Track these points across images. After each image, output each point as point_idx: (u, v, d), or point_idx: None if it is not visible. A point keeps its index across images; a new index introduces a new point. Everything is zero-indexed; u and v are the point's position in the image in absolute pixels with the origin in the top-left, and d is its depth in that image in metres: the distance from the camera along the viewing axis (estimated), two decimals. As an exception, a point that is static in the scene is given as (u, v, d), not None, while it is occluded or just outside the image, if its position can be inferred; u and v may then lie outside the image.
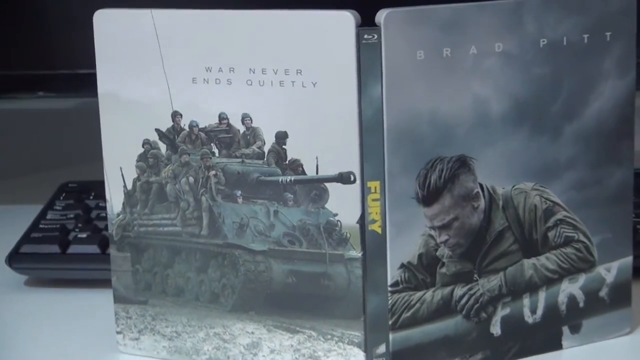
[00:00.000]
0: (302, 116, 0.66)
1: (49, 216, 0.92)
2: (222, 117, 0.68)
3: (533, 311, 0.70)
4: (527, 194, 0.69)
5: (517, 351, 0.71)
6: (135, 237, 0.72)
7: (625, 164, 0.71)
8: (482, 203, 0.68)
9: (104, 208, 0.89)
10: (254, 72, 0.66)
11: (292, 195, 0.68)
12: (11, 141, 1.23)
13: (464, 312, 0.69)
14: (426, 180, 0.67)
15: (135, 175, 0.71)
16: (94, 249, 0.85)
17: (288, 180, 0.67)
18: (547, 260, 0.70)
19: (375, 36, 0.64)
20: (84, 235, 0.86)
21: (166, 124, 0.69)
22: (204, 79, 0.67)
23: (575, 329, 0.72)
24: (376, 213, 0.66)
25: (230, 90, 0.67)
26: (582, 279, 0.71)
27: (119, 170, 0.71)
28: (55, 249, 0.85)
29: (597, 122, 0.70)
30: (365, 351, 0.68)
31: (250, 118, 0.67)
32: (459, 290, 0.69)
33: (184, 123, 0.69)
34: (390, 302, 0.68)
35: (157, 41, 0.68)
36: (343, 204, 0.67)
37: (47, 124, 1.27)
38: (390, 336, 0.68)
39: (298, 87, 0.66)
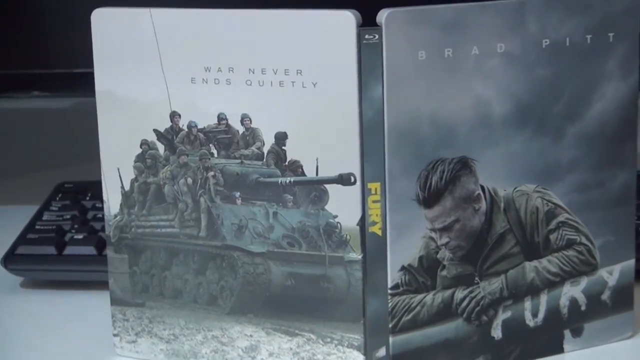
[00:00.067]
0: (302, 117, 0.66)
1: (45, 217, 0.91)
2: (221, 118, 0.68)
3: (534, 314, 0.70)
4: (528, 196, 0.69)
5: (518, 355, 0.71)
6: (133, 239, 0.71)
7: (627, 166, 0.71)
8: (483, 205, 0.68)
9: (101, 209, 0.89)
10: (253, 72, 0.66)
11: (291, 197, 0.67)
12: (6, 141, 1.23)
13: (464, 315, 0.69)
14: (427, 182, 0.66)
15: (133, 176, 0.70)
16: (90, 250, 0.84)
17: (287, 181, 0.67)
18: (548, 263, 0.70)
19: (376, 36, 0.64)
20: (80, 237, 0.86)
21: (164, 124, 0.69)
22: (203, 79, 0.67)
23: (577, 333, 0.72)
24: (376, 215, 0.66)
25: (229, 91, 0.67)
26: (584, 282, 0.71)
27: (116, 171, 0.71)
28: (51, 250, 0.85)
29: (599, 124, 0.70)
30: (365, 354, 0.68)
31: (250, 118, 0.67)
32: (459, 293, 0.68)
33: (183, 123, 0.69)
34: (390, 305, 0.67)
35: (156, 40, 0.68)
36: (343, 206, 0.66)
37: (43, 123, 1.27)
38: (390, 339, 0.68)
39: (298, 88, 0.65)
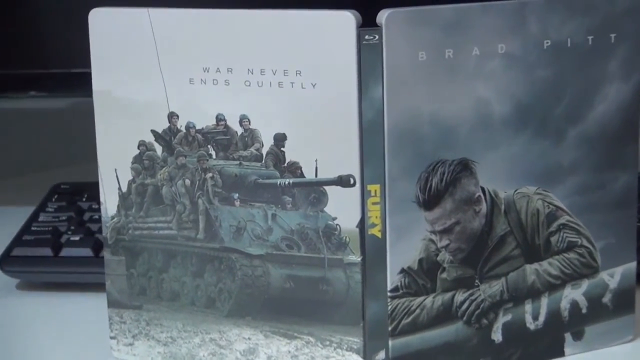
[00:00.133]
0: (301, 118, 0.65)
1: (41, 218, 0.91)
2: (219, 119, 0.67)
3: (535, 317, 0.70)
4: (529, 198, 0.69)
5: (519, 358, 0.70)
6: (130, 241, 0.71)
7: (629, 168, 0.71)
8: (483, 207, 0.68)
9: (97, 210, 0.89)
10: (252, 73, 0.66)
11: (290, 199, 0.67)
12: (2, 141, 1.23)
13: (464, 318, 0.68)
14: (427, 184, 0.66)
15: (131, 177, 0.70)
16: (87, 252, 0.84)
17: (286, 183, 0.67)
18: (549, 266, 0.70)
19: (377, 37, 0.64)
20: (76, 238, 0.86)
21: (162, 125, 0.69)
22: (202, 80, 0.67)
23: (577, 336, 0.72)
24: (376, 217, 0.66)
25: (228, 91, 0.66)
26: (585, 284, 0.71)
27: (113, 172, 0.70)
28: (47, 251, 0.85)
29: (601, 126, 0.69)
30: (364, 358, 0.67)
31: (248, 119, 0.67)
32: (459, 296, 0.68)
33: (181, 124, 0.68)
34: (389, 307, 0.67)
35: (154, 41, 0.67)
36: (342, 208, 0.66)
37: (40, 124, 1.27)
38: (390, 342, 0.68)
39: (297, 88, 0.65)
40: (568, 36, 0.67)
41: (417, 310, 0.68)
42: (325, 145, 0.65)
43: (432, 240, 0.67)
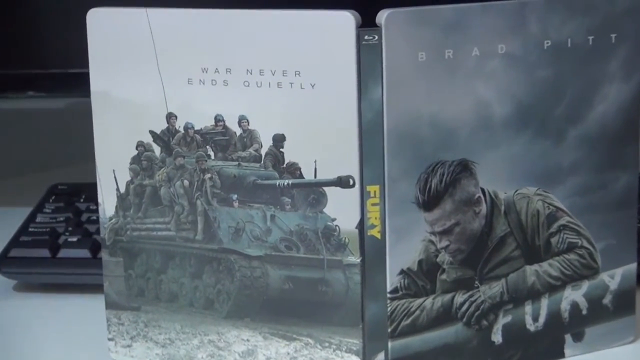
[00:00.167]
0: (301, 118, 0.65)
1: (38, 219, 0.91)
2: (218, 119, 0.67)
3: (535, 319, 0.70)
4: (529, 199, 0.68)
5: (519, 359, 0.70)
6: (128, 242, 0.71)
7: (630, 168, 0.71)
8: (483, 208, 0.68)
9: (95, 211, 0.89)
10: (251, 73, 0.65)
11: (289, 200, 0.67)
12: (1, 142, 1.22)
13: (464, 320, 0.68)
14: (427, 185, 0.66)
15: (129, 178, 0.70)
16: (85, 253, 0.84)
17: (285, 184, 0.67)
18: (549, 267, 0.69)
19: (376, 37, 0.63)
20: (74, 239, 0.86)
21: (161, 125, 0.68)
22: (200, 80, 0.66)
23: (578, 337, 0.71)
24: (375, 218, 0.66)
25: (226, 92, 0.66)
26: (585, 286, 0.71)
27: (111, 173, 0.70)
28: (45, 253, 0.84)
29: (601, 126, 0.69)
30: (363, 359, 0.67)
31: (247, 120, 0.66)
32: (459, 297, 0.68)
33: (179, 125, 0.68)
34: (389, 309, 0.67)
35: (152, 41, 0.67)
36: (342, 209, 0.66)
37: (37, 124, 1.27)
38: (389, 344, 0.67)
39: (296, 89, 0.65)
40: (568, 36, 0.67)
41: (417, 312, 0.67)
42: (325, 146, 0.65)
43: (431, 242, 0.67)
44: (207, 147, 0.68)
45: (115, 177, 0.70)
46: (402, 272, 0.67)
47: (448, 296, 0.68)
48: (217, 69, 0.66)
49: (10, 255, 0.84)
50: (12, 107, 1.27)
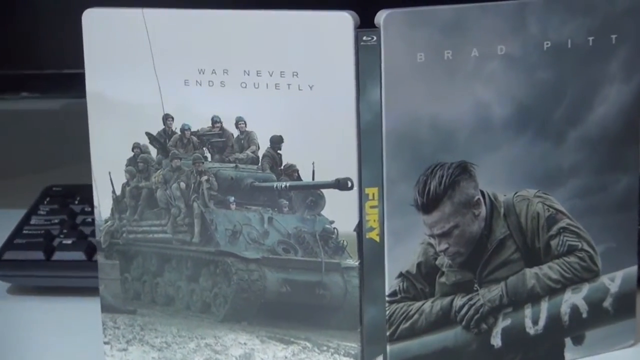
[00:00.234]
0: (298, 120, 0.65)
1: (32, 221, 0.91)
2: (215, 121, 0.67)
3: (535, 322, 0.70)
4: (529, 201, 0.68)
5: (518, 363, 0.70)
6: (124, 244, 0.70)
7: (630, 170, 0.71)
8: (483, 210, 0.67)
9: (90, 213, 0.89)
10: (248, 74, 0.65)
11: (287, 202, 0.67)
12: (-6, 143, 1.22)
13: (463, 323, 0.68)
14: (426, 187, 0.66)
15: (125, 180, 0.70)
16: (79, 255, 0.84)
17: (283, 186, 0.66)
18: (549, 270, 0.69)
19: (375, 38, 0.63)
20: (69, 242, 0.85)
21: (157, 127, 0.68)
22: (197, 81, 0.66)
23: (578, 341, 0.71)
24: (374, 220, 0.65)
25: (223, 93, 0.66)
26: (585, 289, 0.70)
27: (107, 175, 0.70)
28: (39, 255, 0.84)
29: (601, 128, 0.69)
30: (362, 363, 0.67)
31: (245, 122, 0.66)
32: (458, 301, 0.68)
33: (176, 126, 0.68)
34: (387, 312, 0.67)
35: (149, 41, 0.67)
36: (340, 211, 0.66)
37: (32, 125, 1.26)
38: (388, 348, 0.67)
39: (294, 90, 0.64)
40: (568, 37, 0.67)
41: (416, 315, 0.67)
42: (323, 147, 0.65)
43: (430, 244, 0.67)
44: (204, 148, 0.68)
45: (111, 179, 0.70)
46: (400, 275, 0.66)
47: (447, 299, 0.68)
48: (214, 70, 0.66)
49: (4, 258, 0.84)
50: (7, 108, 1.26)
